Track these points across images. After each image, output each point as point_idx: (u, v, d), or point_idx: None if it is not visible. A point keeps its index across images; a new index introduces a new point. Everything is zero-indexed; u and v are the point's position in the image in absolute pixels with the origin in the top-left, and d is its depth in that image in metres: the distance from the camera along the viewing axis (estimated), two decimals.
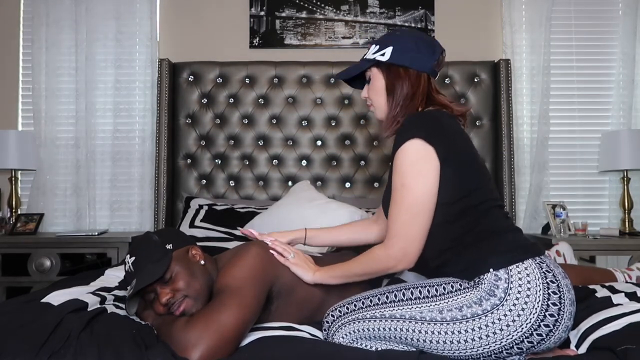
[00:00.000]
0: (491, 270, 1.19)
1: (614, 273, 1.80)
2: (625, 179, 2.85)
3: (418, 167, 1.25)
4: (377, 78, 1.43)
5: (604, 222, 3.03)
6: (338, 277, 1.42)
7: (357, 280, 1.41)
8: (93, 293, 1.49)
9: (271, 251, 1.45)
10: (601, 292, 1.49)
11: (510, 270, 1.18)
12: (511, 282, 1.17)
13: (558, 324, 1.16)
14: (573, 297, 1.21)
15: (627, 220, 2.80)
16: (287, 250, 1.46)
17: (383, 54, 1.40)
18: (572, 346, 1.27)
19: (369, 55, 1.44)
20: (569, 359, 1.17)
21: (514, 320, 1.15)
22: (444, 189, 1.26)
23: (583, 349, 1.23)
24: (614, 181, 3.02)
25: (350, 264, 1.40)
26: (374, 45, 1.44)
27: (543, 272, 1.19)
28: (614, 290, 1.49)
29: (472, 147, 1.36)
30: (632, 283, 1.68)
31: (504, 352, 1.17)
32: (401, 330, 1.23)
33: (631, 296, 1.42)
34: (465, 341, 1.17)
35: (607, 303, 1.39)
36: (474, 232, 1.26)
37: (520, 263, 1.19)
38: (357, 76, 1.51)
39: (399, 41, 1.40)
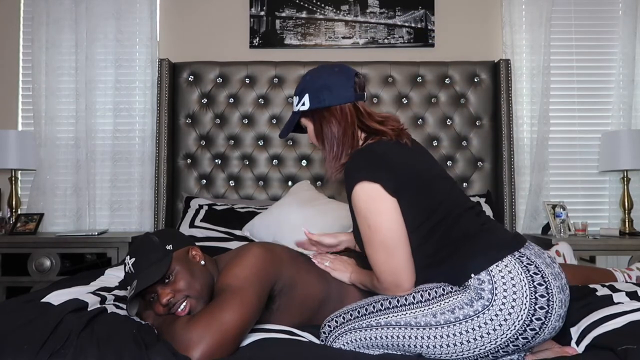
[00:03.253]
0: (472, 275, 1.19)
1: (613, 273, 1.80)
2: (625, 179, 2.85)
3: (374, 206, 1.26)
4: (309, 127, 1.47)
5: (604, 222, 3.03)
6: (363, 284, 1.46)
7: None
8: (93, 293, 1.49)
9: (313, 260, 1.55)
10: (602, 291, 1.49)
11: (491, 271, 1.18)
12: (495, 282, 1.17)
13: (549, 314, 1.16)
14: (562, 284, 1.21)
15: (627, 220, 2.80)
16: (325, 258, 1.56)
17: (303, 104, 1.43)
18: (573, 343, 1.27)
19: (295, 108, 1.47)
20: (569, 359, 1.17)
21: (505, 319, 1.15)
22: (406, 218, 1.27)
23: (583, 347, 1.23)
24: (614, 181, 3.02)
25: (371, 277, 1.38)
26: (294, 97, 1.47)
27: (524, 265, 1.19)
28: (615, 290, 1.49)
29: (421, 165, 1.35)
30: (633, 283, 1.68)
31: (501, 351, 1.18)
32: (398, 337, 1.23)
33: (632, 295, 1.42)
34: (461, 343, 1.17)
35: (608, 301, 1.39)
36: (448, 242, 1.26)
37: (500, 262, 1.19)
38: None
39: (310, 85, 1.42)
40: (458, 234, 1.27)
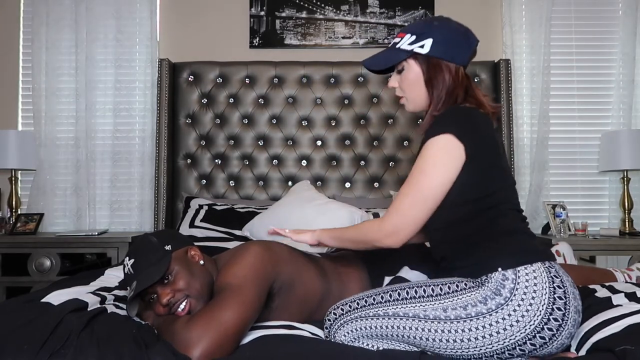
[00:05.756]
0: (499, 269, 1.19)
1: (613, 273, 1.80)
2: (625, 179, 2.85)
3: (442, 158, 1.26)
4: (413, 70, 1.38)
5: (604, 222, 3.03)
6: (335, 238, 1.47)
7: (350, 246, 1.45)
8: (93, 293, 1.49)
9: (271, 229, 1.57)
10: (601, 292, 1.49)
11: (518, 272, 1.18)
12: (518, 283, 1.17)
13: (561, 329, 1.15)
14: (579, 306, 1.20)
15: (627, 220, 2.80)
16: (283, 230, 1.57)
17: (422, 46, 1.34)
18: (573, 349, 1.26)
19: (404, 46, 1.37)
20: None
21: (517, 321, 1.14)
22: (467, 187, 1.27)
23: (583, 352, 1.22)
24: (614, 181, 3.02)
25: (347, 228, 1.45)
26: (409, 35, 1.37)
27: (551, 276, 1.18)
28: (614, 290, 1.49)
29: (500, 150, 1.34)
30: (632, 283, 1.67)
31: (506, 352, 1.17)
32: (404, 328, 1.22)
33: (631, 296, 1.42)
34: (469, 340, 1.16)
35: (607, 304, 1.39)
36: (487, 231, 1.27)
37: (529, 265, 1.19)
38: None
39: (438, 33, 1.34)
40: (500, 227, 1.27)
